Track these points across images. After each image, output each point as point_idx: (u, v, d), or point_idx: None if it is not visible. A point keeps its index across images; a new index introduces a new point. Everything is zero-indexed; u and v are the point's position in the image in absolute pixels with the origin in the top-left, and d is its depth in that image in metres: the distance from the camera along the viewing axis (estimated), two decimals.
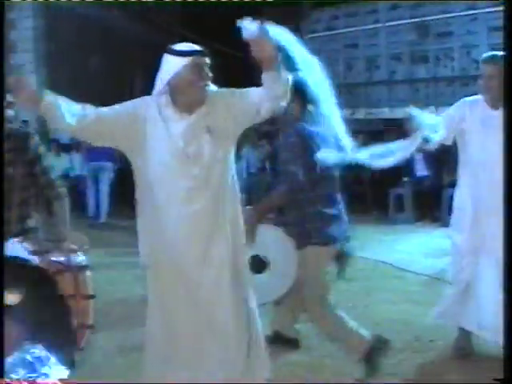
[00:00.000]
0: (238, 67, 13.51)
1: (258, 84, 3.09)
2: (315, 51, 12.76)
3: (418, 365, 4.69)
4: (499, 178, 4.27)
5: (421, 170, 10.78)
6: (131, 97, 3.24)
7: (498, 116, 4.36)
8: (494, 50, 9.99)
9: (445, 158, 9.22)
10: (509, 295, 2.23)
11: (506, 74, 3.43)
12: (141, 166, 3.16)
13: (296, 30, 11.98)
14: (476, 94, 4.67)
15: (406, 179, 10.84)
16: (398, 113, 11.55)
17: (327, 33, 12.90)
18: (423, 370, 4.63)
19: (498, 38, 10.41)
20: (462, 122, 4.65)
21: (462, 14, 10.87)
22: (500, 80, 4.28)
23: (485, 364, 4.49)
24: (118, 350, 4.82)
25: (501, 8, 10.23)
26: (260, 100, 3.06)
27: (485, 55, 4.60)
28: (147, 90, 3.26)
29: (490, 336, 4.38)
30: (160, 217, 3.15)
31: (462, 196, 4.90)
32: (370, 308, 5.82)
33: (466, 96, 4.72)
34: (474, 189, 4.76)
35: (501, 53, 4.44)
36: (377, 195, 10.98)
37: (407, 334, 5.18)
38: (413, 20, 11.48)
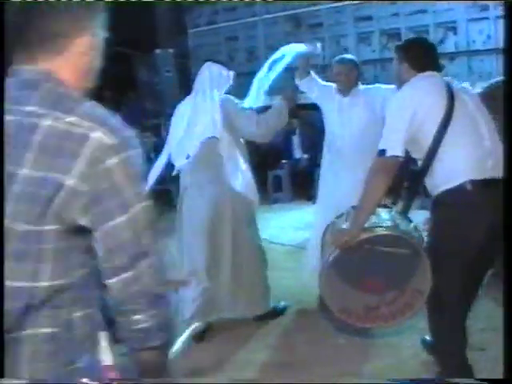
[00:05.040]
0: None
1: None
2: (199, 45, 13.39)
3: None
4: (353, 155, 5.61)
5: (298, 152, 11.49)
6: None
7: (348, 100, 5.79)
8: (360, 38, 10.91)
9: (320, 141, 9.91)
10: (509, 296, 2.49)
11: (506, 75, 4.12)
12: None
13: (181, 23, 12.39)
14: None
15: (284, 161, 11.55)
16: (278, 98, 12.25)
17: (209, 27, 13.38)
18: None
19: (364, 27, 11.24)
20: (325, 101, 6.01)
21: (329, 5, 11.54)
22: (346, 75, 5.75)
23: None
24: None
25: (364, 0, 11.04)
26: None
27: (336, 58, 6.03)
28: None
29: None
30: None
31: (323, 174, 6.19)
32: None
33: None
34: (333, 164, 5.98)
35: (349, 55, 6.19)
36: (258, 178, 11.61)
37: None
38: (286, 12, 12.07)
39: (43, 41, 1.69)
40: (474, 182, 3.52)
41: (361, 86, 5.94)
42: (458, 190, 3.55)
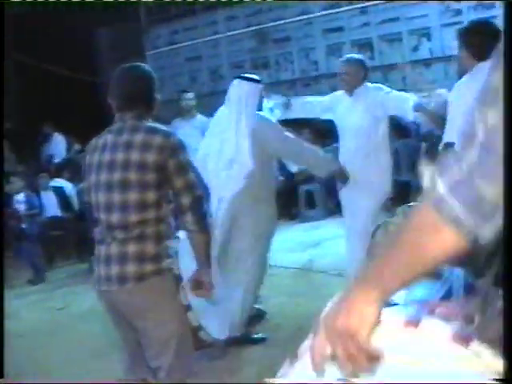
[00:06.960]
0: (71, 87, 13.40)
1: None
2: (159, 67, 12.71)
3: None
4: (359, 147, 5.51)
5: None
6: None
7: (351, 100, 5.60)
8: (330, 50, 10.48)
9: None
10: (509, 296, 2.14)
11: (506, 75, 3.56)
12: None
13: (138, 46, 11.77)
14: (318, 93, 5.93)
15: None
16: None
17: (169, 47, 12.99)
18: None
19: (334, 38, 10.83)
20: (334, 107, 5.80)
21: (296, 19, 11.18)
22: (351, 75, 5.54)
23: None
24: None
25: (334, 10, 10.62)
26: None
27: (343, 57, 5.88)
28: None
29: None
30: None
31: None
32: None
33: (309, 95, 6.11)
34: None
35: (356, 55, 5.98)
36: None
37: (289, 326, 5.31)
38: (250, 28, 11.71)
39: None
40: None
41: (368, 84, 5.70)
42: None
